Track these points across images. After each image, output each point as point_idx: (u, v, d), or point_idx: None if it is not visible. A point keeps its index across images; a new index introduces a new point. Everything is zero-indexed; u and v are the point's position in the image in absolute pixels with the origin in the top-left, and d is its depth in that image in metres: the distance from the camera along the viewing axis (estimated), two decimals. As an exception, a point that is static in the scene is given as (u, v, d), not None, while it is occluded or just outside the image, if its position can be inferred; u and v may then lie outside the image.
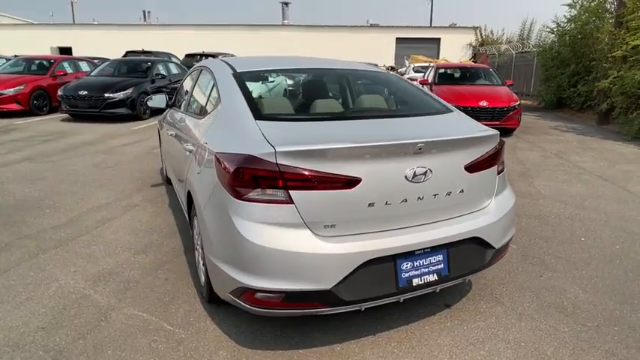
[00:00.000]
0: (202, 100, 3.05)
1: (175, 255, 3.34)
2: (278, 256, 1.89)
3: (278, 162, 1.87)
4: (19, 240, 3.56)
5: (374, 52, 25.08)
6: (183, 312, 2.59)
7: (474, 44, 24.86)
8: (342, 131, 2.17)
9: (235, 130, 2.21)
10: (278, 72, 2.98)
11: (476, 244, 2.24)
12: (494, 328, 2.44)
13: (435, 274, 2.12)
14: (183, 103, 3.62)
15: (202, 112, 2.89)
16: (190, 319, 2.52)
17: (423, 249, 2.07)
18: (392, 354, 2.23)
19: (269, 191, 1.90)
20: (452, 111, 2.65)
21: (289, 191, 1.89)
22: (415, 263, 2.06)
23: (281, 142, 1.92)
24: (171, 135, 3.70)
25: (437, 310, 2.62)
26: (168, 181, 5.06)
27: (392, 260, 2.01)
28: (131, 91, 10.09)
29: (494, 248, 2.33)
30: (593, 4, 10.80)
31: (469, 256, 2.24)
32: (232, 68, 2.84)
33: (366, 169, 1.94)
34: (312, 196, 1.90)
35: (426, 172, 2.05)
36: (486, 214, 2.30)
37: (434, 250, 2.11)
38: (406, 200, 2.04)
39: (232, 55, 17.38)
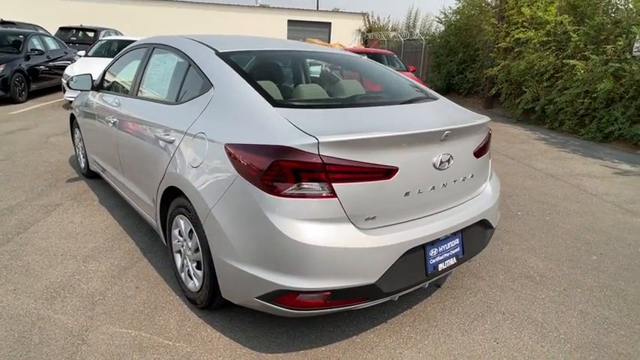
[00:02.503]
0: (171, 84, 2.68)
1: (135, 259, 2.95)
2: (324, 254, 1.77)
3: (321, 153, 1.74)
4: None
5: (266, 33, 24.54)
6: (175, 322, 2.31)
7: (362, 30, 25.90)
8: (368, 119, 2.09)
9: (250, 119, 1.98)
10: (264, 54, 2.74)
11: (481, 225, 2.36)
12: (486, 302, 2.63)
13: (454, 258, 2.19)
14: (130, 86, 3.13)
15: (177, 97, 2.53)
16: (187, 330, 2.26)
17: (446, 235, 2.12)
18: (410, 338, 2.27)
19: (311, 185, 1.76)
20: (438, 97, 2.73)
21: (332, 184, 1.77)
22: (440, 249, 2.11)
23: (320, 131, 1.78)
24: (110, 123, 3.20)
25: (431, 290, 2.73)
26: (89, 175, 4.41)
27: (422, 248, 2.02)
28: (2, 68, 8.47)
29: (492, 228, 2.49)
30: (476, 1, 12.00)
31: (476, 237, 2.36)
32: (211, 48, 2.54)
33: (401, 158, 1.91)
34: (354, 189, 1.81)
35: (449, 159, 2.09)
36: (487, 197, 2.44)
37: (453, 234, 2.17)
38: (434, 188, 2.06)
39: (115, 31, 15.64)
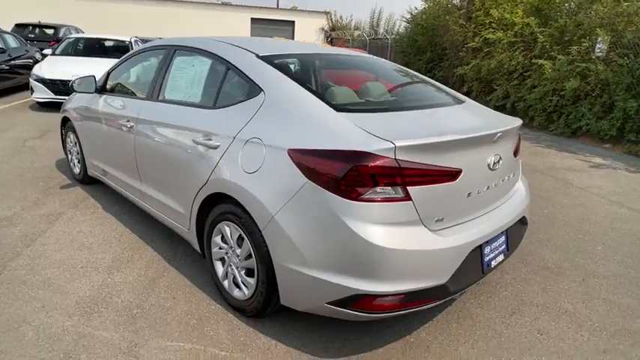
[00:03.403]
0: (205, 88, 2.59)
1: (161, 268, 2.85)
2: (401, 257, 1.79)
3: (397, 157, 1.76)
4: None
5: (229, 31, 24.13)
6: (225, 332, 2.26)
7: (326, 28, 26.02)
8: (425, 122, 2.12)
9: (315, 124, 1.96)
10: (303, 57, 2.70)
11: (520, 222, 2.46)
12: (518, 295, 2.74)
13: (502, 254, 2.28)
14: (148, 90, 3.00)
15: (215, 102, 2.46)
16: (240, 339, 2.22)
17: (498, 232, 2.20)
18: (460, 335, 2.33)
19: (387, 189, 1.77)
20: (466, 100, 2.80)
21: (407, 187, 1.79)
22: (492, 246, 2.18)
23: (392, 136, 1.79)
24: (125, 127, 3.06)
25: (463, 286, 2.81)
26: (85, 181, 4.20)
27: (479, 246, 2.09)
28: (-41, 67, 7.88)
29: (527, 224, 2.60)
30: (444, 1, 12.36)
31: (517, 233, 2.46)
32: (249, 51, 2.49)
33: (463, 160, 1.96)
34: (426, 191, 1.84)
35: (499, 159, 2.17)
36: (522, 195, 2.54)
37: (501, 232, 2.25)
38: (488, 188, 2.13)
39: (76, 29, 14.86)
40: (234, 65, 2.42)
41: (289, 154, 1.93)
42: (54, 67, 8.11)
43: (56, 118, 7.54)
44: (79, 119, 3.87)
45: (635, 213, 4.33)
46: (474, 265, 2.06)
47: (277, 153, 1.99)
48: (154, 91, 2.95)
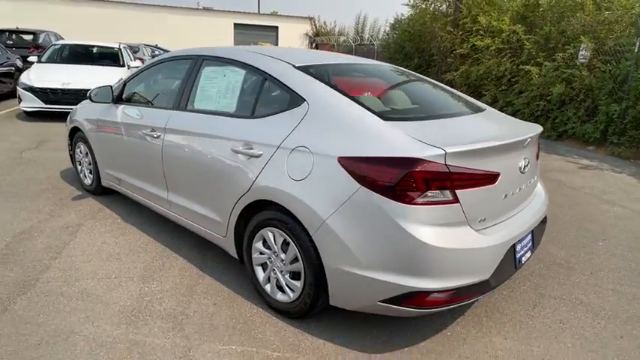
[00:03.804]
0: (240, 98, 2.68)
1: (195, 275, 2.91)
2: (451, 255, 1.93)
3: (447, 163, 1.89)
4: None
5: (212, 37, 24.13)
6: (273, 334, 2.35)
7: (310, 34, 26.24)
8: (464, 129, 2.27)
9: (364, 133, 2.08)
10: (337, 67, 2.81)
11: (542, 221, 2.64)
12: (536, 289, 2.90)
13: (529, 251, 2.44)
14: (174, 100, 3.06)
15: (252, 111, 2.55)
16: (290, 340, 2.31)
17: (528, 231, 2.36)
18: (491, 327, 2.47)
19: (438, 193, 1.91)
20: (485, 108, 2.96)
21: (455, 191, 1.93)
22: (522, 244, 2.34)
23: (441, 142, 1.93)
24: (151, 137, 3.11)
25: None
26: (97, 192, 4.20)
27: (513, 244, 2.24)
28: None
29: (546, 223, 2.77)
30: (430, 8, 12.69)
31: (539, 231, 2.63)
32: (285, 62, 2.59)
33: (500, 164, 2.12)
34: (471, 194, 1.99)
35: (528, 163, 2.33)
36: (542, 195, 2.72)
37: (530, 230, 2.41)
38: (519, 189, 2.30)
39: (55, 34, 14.59)
40: (271, 76, 2.52)
41: (340, 162, 2.04)
42: (43, 75, 7.99)
43: (47, 127, 7.49)
44: (93, 129, 3.88)
45: (628, 211, 4.60)
46: (509, 262, 2.21)
47: (326, 161, 2.10)
48: (182, 101, 3.01)
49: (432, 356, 2.22)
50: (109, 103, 3.65)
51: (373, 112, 2.17)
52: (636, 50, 7.36)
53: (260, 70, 2.60)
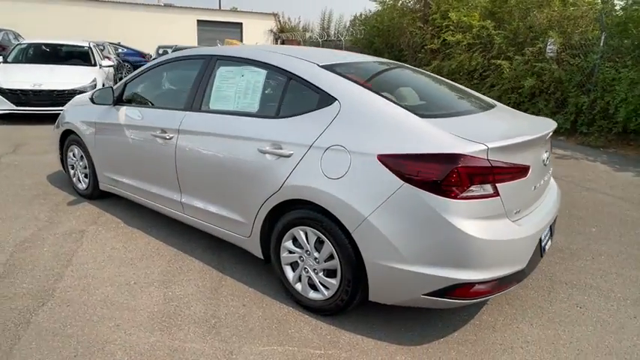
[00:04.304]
0: (263, 98, 2.65)
1: (216, 277, 2.87)
2: (495, 247, 2.01)
3: (489, 158, 1.97)
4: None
5: (174, 34, 23.48)
6: (310, 332, 2.37)
7: (274, 30, 26.02)
8: (493, 125, 2.35)
9: (402, 130, 2.12)
10: (359, 65, 2.81)
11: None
12: (547, 275, 3.05)
13: (549, 240, 2.57)
14: (186, 101, 2.99)
15: (277, 111, 2.53)
16: (328, 337, 2.33)
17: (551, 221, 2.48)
18: (515, 314, 2.59)
19: (481, 187, 1.98)
20: (496, 104, 3.05)
21: (496, 184, 2.01)
22: (545, 233, 2.46)
23: (481, 138, 2.00)
24: (162, 139, 3.04)
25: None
26: (93, 196, 4.05)
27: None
28: None
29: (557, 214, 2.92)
30: (398, 5, 12.90)
31: (554, 221, 2.76)
32: (309, 61, 2.59)
33: (529, 157, 2.22)
34: (509, 187, 2.07)
35: (548, 155, 2.45)
36: (555, 186, 2.86)
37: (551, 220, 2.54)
38: (543, 181, 2.41)
39: (14, 33, 13.82)
40: (297, 75, 2.52)
41: (380, 160, 2.08)
42: (11, 76, 7.57)
43: (21, 131, 7.13)
44: (91, 132, 3.74)
45: (610, 197, 4.89)
46: (537, 251, 2.32)
47: (365, 159, 2.13)
48: (195, 101, 2.95)
49: (468, 345, 2.30)
50: (110, 105, 3.53)
51: (409, 110, 2.22)
52: (601, 44, 7.79)
53: (284, 69, 2.58)
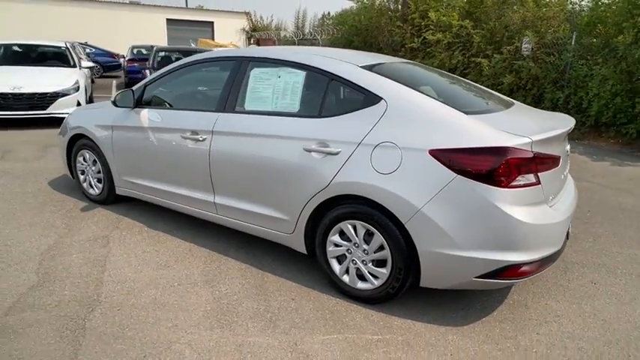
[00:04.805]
0: (304, 99, 2.74)
1: (257, 275, 2.95)
2: (540, 230, 2.21)
3: (533, 149, 2.15)
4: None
5: (142, 33, 22.90)
6: (363, 319, 2.50)
7: (247, 29, 25.83)
8: (526, 120, 2.55)
9: (452, 126, 2.27)
10: (391, 66, 2.93)
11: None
12: (568, 253, 3.31)
13: (570, 225, 2.79)
14: (218, 102, 3.04)
15: (320, 111, 2.64)
16: (381, 323, 2.47)
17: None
18: (541, 292, 2.80)
19: (527, 176, 2.17)
20: (515, 102, 3.25)
21: (538, 174, 2.20)
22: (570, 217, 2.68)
23: (525, 132, 2.19)
24: (194, 141, 3.08)
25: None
26: (108, 201, 4.02)
27: (567, 218, 2.57)
28: None
29: None
30: (377, 4, 13.16)
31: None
32: (348, 62, 2.71)
33: (558, 149, 2.43)
34: (547, 176, 2.28)
35: (569, 147, 2.68)
36: (570, 178, 3.10)
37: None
38: (566, 171, 2.64)
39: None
40: (339, 76, 2.63)
41: (432, 154, 2.23)
42: None
43: (3, 136, 6.83)
44: (107, 136, 3.71)
45: (594, 185, 5.27)
46: (566, 234, 2.54)
47: (416, 154, 2.27)
48: (228, 103, 3.01)
49: (509, 323, 2.50)
50: (130, 107, 3.52)
51: (454, 108, 2.38)
52: (572, 43, 8.28)
53: (325, 70, 2.69)
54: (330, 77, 2.67)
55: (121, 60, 17.51)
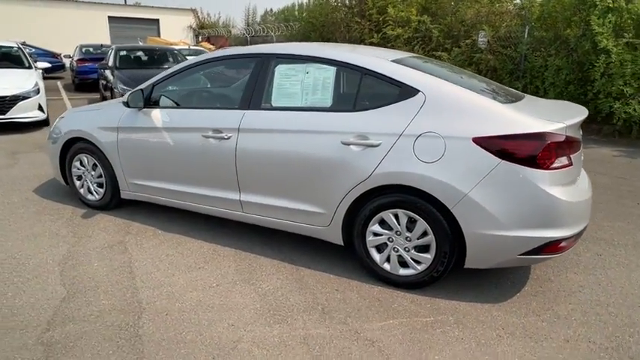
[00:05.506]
0: (336, 93, 2.79)
1: (291, 270, 2.98)
2: (576, 207, 2.42)
3: (567, 134, 2.35)
4: None
5: (82, 31, 21.57)
6: (409, 303, 2.60)
7: (194, 26, 25.08)
8: (549, 109, 2.75)
9: (492, 115, 2.41)
10: (411, 61, 3.01)
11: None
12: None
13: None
14: (241, 99, 3.02)
15: (354, 105, 2.70)
16: (427, 305, 2.59)
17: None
18: (560, 266, 3.05)
19: (562, 158, 2.36)
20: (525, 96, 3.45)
21: (570, 156, 2.41)
22: (587, 195, 2.93)
23: (558, 119, 2.38)
24: (219, 140, 3.04)
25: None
26: (110, 207, 3.86)
27: (584, 197, 2.82)
28: None
29: None
30: (331, 0, 13.30)
31: None
32: (379, 57, 2.79)
33: (578, 134, 2.65)
34: (575, 157, 2.49)
35: (582, 134, 2.92)
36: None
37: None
38: (582, 153, 2.88)
39: None
40: (373, 71, 2.70)
41: (476, 142, 2.37)
42: None
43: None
44: (112, 138, 3.54)
45: (566, 166, 5.70)
46: (589, 210, 2.79)
47: (460, 142, 2.40)
48: (253, 100, 2.99)
49: (541, 296, 2.70)
50: (139, 108, 3.38)
51: (490, 98, 2.53)
52: (525, 36, 8.85)
53: (357, 65, 2.75)
54: (363, 72, 2.74)
55: (65, 60, 16.45)
